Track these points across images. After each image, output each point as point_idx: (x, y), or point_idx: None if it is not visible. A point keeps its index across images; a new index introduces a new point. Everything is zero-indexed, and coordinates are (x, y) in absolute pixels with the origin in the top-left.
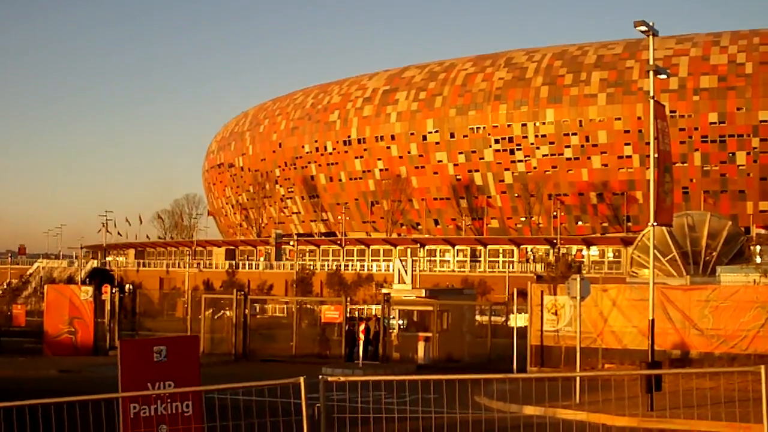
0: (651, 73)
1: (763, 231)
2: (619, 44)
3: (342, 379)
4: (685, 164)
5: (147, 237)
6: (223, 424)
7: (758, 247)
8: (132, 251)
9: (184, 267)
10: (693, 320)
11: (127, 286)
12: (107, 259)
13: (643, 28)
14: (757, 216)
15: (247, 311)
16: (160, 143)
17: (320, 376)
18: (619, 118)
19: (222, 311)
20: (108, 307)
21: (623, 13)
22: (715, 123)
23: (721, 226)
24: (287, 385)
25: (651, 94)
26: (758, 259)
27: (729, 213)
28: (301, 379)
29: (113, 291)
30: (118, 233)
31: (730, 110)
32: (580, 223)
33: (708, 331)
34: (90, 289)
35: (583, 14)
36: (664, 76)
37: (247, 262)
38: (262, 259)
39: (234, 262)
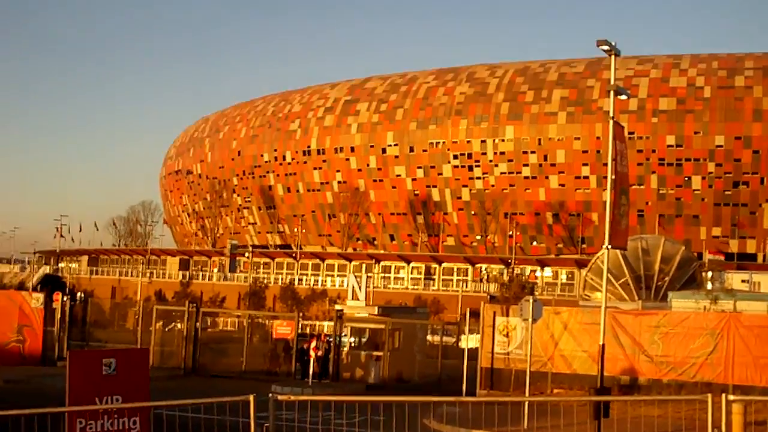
0: (611, 93)
1: (715, 257)
2: (581, 63)
3: (292, 398)
4: (642, 187)
5: (101, 244)
6: None
7: (710, 273)
8: (85, 258)
9: (137, 276)
10: (643, 346)
11: (79, 294)
12: (60, 265)
13: (606, 47)
14: (710, 242)
15: (198, 324)
16: (119, 148)
17: (270, 395)
18: (578, 138)
19: (173, 323)
20: (58, 315)
21: (586, 31)
22: (672, 146)
23: (675, 250)
24: (236, 402)
25: (611, 114)
26: (709, 286)
27: (683, 238)
28: (251, 398)
29: (64, 299)
30: (72, 239)
31: (688, 134)
32: (535, 243)
33: (657, 357)
34: (41, 296)
35: (546, 32)
36: (624, 97)
37: (201, 273)
38: (216, 270)
39: (188, 272)
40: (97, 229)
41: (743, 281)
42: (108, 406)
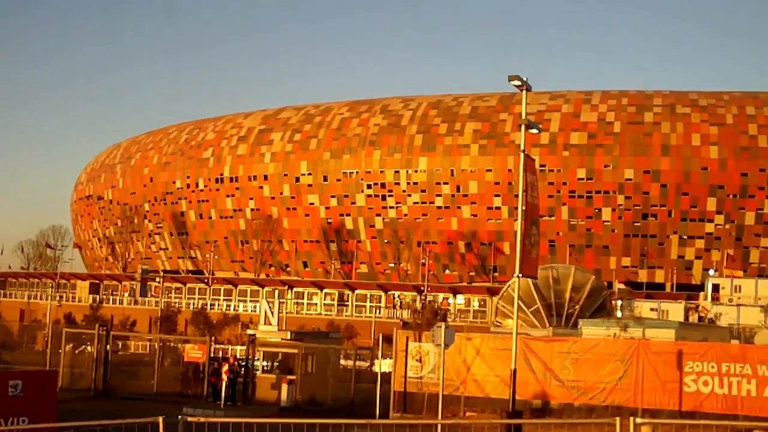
0: (523, 127)
1: (624, 286)
2: (493, 97)
3: (201, 420)
4: (553, 218)
5: (9, 267)
6: None
7: (619, 302)
8: None
9: (47, 299)
10: (554, 371)
11: None
12: None
13: (517, 82)
14: (619, 271)
15: (108, 347)
16: (29, 172)
17: (180, 417)
18: (490, 170)
19: (83, 346)
20: None
21: (500, 66)
22: (582, 179)
23: (585, 279)
24: (146, 424)
25: (522, 147)
26: (619, 314)
27: (593, 267)
28: (160, 419)
29: None
30: None
31: (598, 167)
32: (447, 271)
33: (568, 382)
34: None
35: (459, 66)
36: (535, 131)
37: (111, 297)
38: (126, 294)
39: (98, 296)
40: (1, 253)
41: (652, 309)
42: (13, 427)
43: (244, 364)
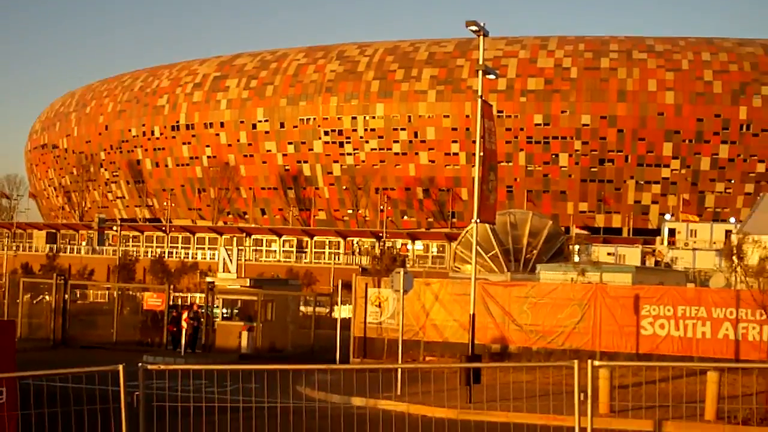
0: (480, 72)
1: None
2: (450, 43)
3: (162, 367)
4: (510, 164)
5: None
6: (38, 412)
7: (577, 247)
8: None
9: (3, 249)
10: (512, 316)
11: None
12: None
13: (474, 28)
14: (577, 216)
15: (67, 296)
16: None
17: (140, 364)
18: (448, 116)
19: (41, 296)
20: None
21: (456, 12)
22: (540, 125)
23: (542, 225)
24: (106, 372)
25: (479, 93)
26: (576, 258)
27: (550, 213)
28: (120, 367)
29: None
30: None
31: (555, 113)
32: (405, 217)
33: (527, 326)
34: None
35: (416, 11)
36: (492, 77)
37: (68, 247)
38: (84, 243)
39: (55, 246)
40: None
41: (609, 254)
42: None
43: (202, 311)
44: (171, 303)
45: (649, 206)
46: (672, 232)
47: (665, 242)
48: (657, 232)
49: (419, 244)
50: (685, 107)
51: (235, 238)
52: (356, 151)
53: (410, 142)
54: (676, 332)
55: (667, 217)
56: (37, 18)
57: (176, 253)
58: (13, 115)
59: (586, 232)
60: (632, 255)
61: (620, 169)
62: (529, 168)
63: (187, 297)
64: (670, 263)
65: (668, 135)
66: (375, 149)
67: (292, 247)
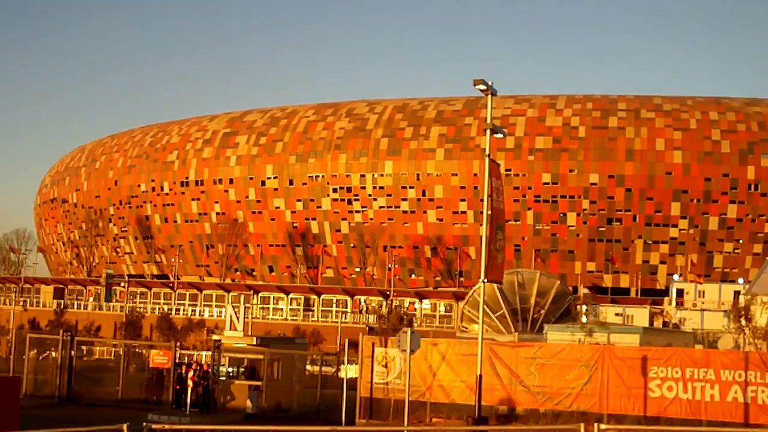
0: (488, 131)
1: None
2: (459, 101)
3: (166, 427)
4: (518, 222)
5: None
6: None
7: (584, 307)
8: None
9: (10, 304)
10: (520, 377)
11: None
12: None
13: (482, 87)
14: (584, 276)
15: (73, 353)
16: None
17: (144, 424)
18: (456, 174)
19: (47, 352)
20: None
21: (465, 71)
22: (548, 183)
23: (550, 284)
24: (111, 431)
25: (487, 152)
26: (584, 319)
27: (558, 272)
28: (124, 426)
29: None
30: None
31: (563, 171)
32: (413, 276)
33: (534, 387)
34: None
35: (425, 70)
36: (500, 135)
37: (76, 302)
38: (91, 299)
39: (62, 301)
40: None
41: (617, 314)
42: None
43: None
44: (177, 361)
45: (657, 266)
46: (680, 292)
47: (673, 303)
48: (665, 292)
49: (427, 303)
50: (693, 167)
51: (242, 296)
52: (364, 209)
53: (418, 200)
54: (684, 395)
55: (675, 277)
56: (49, 73)
57: (183, 309)
58: (23, 169)
59: (593, 293)
60: (640, 315)
61: (628, 229)
62: (537, 227)
63: (193, 354)
64: (678, 324)
65: (676, 194)
66: (383, 207)
67: (300, 304)
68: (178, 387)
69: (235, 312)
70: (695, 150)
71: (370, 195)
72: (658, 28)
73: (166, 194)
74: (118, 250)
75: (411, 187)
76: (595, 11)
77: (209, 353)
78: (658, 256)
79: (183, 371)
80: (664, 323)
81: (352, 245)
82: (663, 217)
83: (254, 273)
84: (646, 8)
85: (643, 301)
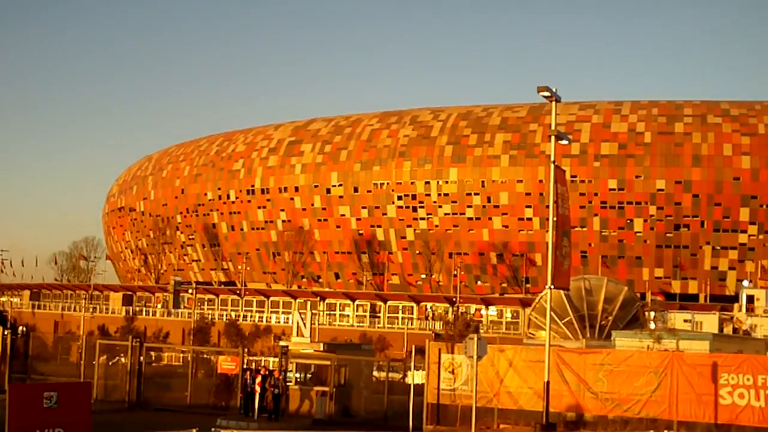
0: (553, 137)
1: (657, 297)
2: (523, 108)
3: None
4: (584, 229)
5: (42, 279)
6: None
7: (652, 313)
8: (27, 293)
9: (80, 311)
10: (588, 383)
11: (20, 327)
12: (1, 299)
13: (546, 93)
14: (652, 282)
15: (142, 358)
16: (62, 184)
17: (213, 429)
18: (521, 180)
19: (117, 358)
20: None
21: (530, 77)
22: (614, 189)
23: (618, 291)
24: None
25: (552, 158)
26: (652, 325)
27: (626, 278)
28: (194, 431)
29: (5, 332)
30: (14, 273)
31: (629, 177)
32: (479, 282)
33: (602, 394)
34: None
35: (489, 77)
36: (565, 142)
37: (144, 309)
38: (159, 306)
39: (131, 308)
40: (37, 264)
41: (685, 321)
42: None
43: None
44: (245, 367)
45: (726, 272)
46: (750, 298)
47: (743, 309)
48: (734, 298)
49: (493, 310)
50: (762, 171)
51: (309, 302)
52: (429, 216)
53: (483, 206)
54: (756, 402)
55: (745, 283)
56: (118, 85)
57: (250, 316)
58: (91, 179)
59: (662, 299)
60: (709, 322)
61: (696, 235)
62: (603, 233)
63: (260, 360)
64: (748, 331)
65: (745, 200)
66: (448, 214)
67: (366, 311)
68: (252, 392)
69: (302, 318)
70: (764, 155)
71: (434, 202)
72: (725, 32)
73: (233, 202)
74: (186, 257)
75: (476, 194)
76: (661, 17)
77: (276, 359)
78: (726, 262)
79: (248, 377)
80: (734, 330)
81: (417, 252)
82: (732, 222)
83: (320, 280)
84: (712, 13)
85: (712, 307)
